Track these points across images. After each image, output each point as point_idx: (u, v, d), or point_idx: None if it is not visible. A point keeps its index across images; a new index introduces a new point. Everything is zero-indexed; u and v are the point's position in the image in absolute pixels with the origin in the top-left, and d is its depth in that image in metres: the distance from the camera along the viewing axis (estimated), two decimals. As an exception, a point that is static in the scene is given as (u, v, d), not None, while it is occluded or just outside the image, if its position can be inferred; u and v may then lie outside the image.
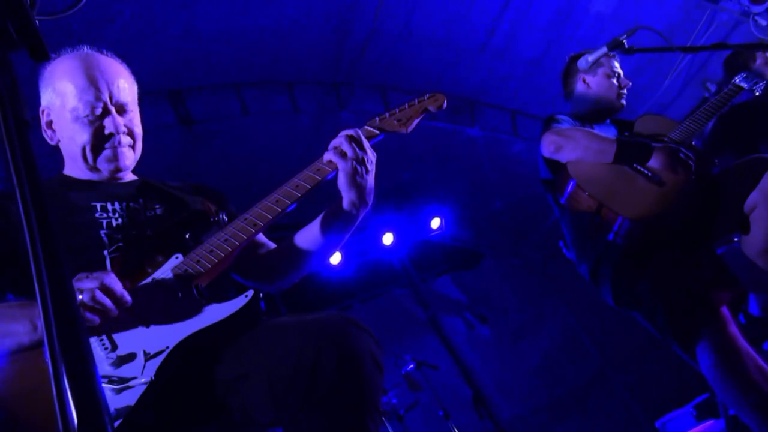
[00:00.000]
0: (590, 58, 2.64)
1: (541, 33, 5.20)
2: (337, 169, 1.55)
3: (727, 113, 2.92)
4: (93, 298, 1.22)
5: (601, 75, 2.82)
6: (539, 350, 7.48)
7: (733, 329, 2.18)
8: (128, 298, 1.28)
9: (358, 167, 1.54)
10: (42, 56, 0.67)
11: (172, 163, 4.86)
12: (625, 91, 2.82)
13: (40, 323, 1.21)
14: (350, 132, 1.57)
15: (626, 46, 2.63)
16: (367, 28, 4.79)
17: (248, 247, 1.66)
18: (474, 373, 6.78)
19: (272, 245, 1.80)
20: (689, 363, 2.36)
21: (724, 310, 2.23)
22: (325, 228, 1.63)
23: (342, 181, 1.55)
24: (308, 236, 1.67)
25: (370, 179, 1.59)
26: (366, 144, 1.58)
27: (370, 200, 1.62)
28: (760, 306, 2.28)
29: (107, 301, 1.24)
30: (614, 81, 2.81)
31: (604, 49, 2.59)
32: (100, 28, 3.77)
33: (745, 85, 2.81)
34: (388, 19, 4.76)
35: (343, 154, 1.54)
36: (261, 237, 1.80)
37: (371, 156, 1.59)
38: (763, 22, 4.77)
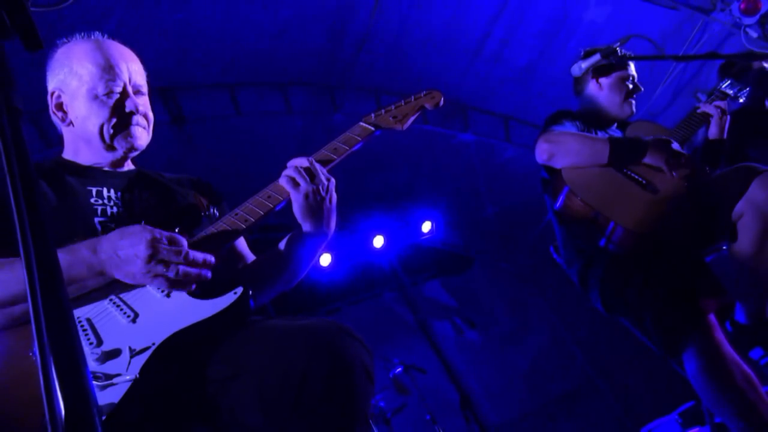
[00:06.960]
0: (584, 65, 2.66)
1: (535, 39, 5.22)
2: (288, 198, 1.54)
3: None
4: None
5: (615, 77, 2.79)
6: (527, 356, 7.49)
7: (720, 337, 2.20)
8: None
9: (311, 197, 1.53)
10: (35, 45, 0.66)
11: (163, 162, 4.80)
12: (634, 96, 2.79)
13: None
14: (304, 163, 1.55)
15: (619, 54, 2.66)
16: (361, 31, 4.79)
17: (229, 257, 1.65)
18: (462, 378, 6.78)
19: (251, 257, 1.78)
20: (676, 370, 2.37)
21: (712, 318, 2.24)
22: (289, 252, 1.61)
23: (296, 211, 1.54)
24: (276, 257, 1.64)
25: (327, 208, 1.57)
26: (321, 174, 1.56)
27: (331, 227, 1.60)
28: (747, 314, 2.29)
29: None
30: (627, 84, 2.78)
31: (597, 56, 2.61)
32: (94, 23, 3.75)
33: (730, 92, 2.83)
34: (383, 22, 4.76)
35: (296, 185, 1.53)
36: (243, 248, 1.77)
37: (327, 184, 1.57)
38: (754, 34, 4.83)
